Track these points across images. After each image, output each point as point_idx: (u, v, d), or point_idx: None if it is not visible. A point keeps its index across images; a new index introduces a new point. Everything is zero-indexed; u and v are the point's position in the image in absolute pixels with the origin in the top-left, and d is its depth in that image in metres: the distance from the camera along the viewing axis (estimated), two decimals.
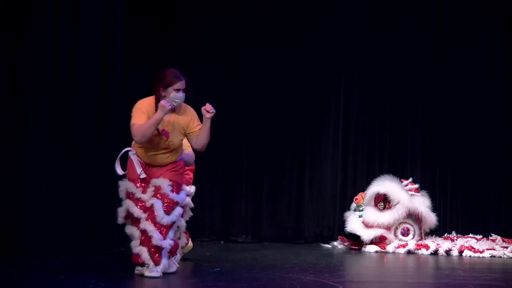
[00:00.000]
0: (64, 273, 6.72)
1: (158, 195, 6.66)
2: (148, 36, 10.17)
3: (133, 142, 6.82)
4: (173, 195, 6.69)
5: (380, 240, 9.79)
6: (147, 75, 7.96)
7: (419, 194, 10.03)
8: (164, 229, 6.61)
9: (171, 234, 6.66)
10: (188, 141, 6.89)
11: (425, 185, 10.30)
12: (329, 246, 10.18)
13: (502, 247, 9.68)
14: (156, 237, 6.56)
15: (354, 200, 10.23)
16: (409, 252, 9.61)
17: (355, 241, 9.97)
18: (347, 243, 10.05)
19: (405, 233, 9.86)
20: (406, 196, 9.86)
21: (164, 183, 6.69)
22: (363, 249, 9.79)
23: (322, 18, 10.59)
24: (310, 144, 10.57)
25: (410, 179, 10.13)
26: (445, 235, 10.25)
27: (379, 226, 9.81)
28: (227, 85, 10.25)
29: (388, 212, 9.85)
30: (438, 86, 10.72)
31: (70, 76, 8.20)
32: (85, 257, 7.88)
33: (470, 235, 10.17)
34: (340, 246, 10.08)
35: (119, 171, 6.83)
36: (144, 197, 6.68)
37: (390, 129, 10.68)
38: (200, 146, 6.79)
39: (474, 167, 10.66)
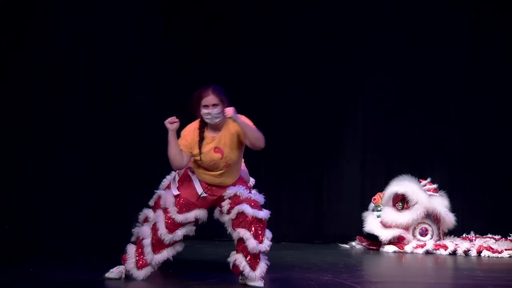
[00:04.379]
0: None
1: (240, 201, 6.37)
2: None
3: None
4: (250, 195, 6.40)
5: (398, 240, 9.79)
6: None
7: (437, 194, 10.02)
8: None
9: (268, 233, 6.43)
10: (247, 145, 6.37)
11: (443, 185, 10.28)
12: (347, 246, 10.18)
13: None
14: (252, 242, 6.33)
15: (372, 200, 10.23)
16: (427, 252, 9.60)
17: (373, 241, 9.97)
18: (365, 243, 10.05)
19: (424, 233, 9.85)
20: (424, 196, 9.85)
21: (239, 189, 6.40)
22: (381, 249, 9.79)
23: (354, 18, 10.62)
24: (328, 144, 10.56)
25: (429, 179, 10.13)
26: (464, 235, 10.23)
27: (397, 226, 9.80)
28: (245, 86, 10.29)
29: (406, 212, 9.84)
30: (455, 86, 10.68)
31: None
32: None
33: (489, 235, 10.14)
34: (358, 246, 10.08)
35: (175, 191, 6.41)
36: (177, 217, 6.35)
37: (410, 129, 10.65)
38: (252, 145, 6.26)
39: (493, 167, 10.61)
